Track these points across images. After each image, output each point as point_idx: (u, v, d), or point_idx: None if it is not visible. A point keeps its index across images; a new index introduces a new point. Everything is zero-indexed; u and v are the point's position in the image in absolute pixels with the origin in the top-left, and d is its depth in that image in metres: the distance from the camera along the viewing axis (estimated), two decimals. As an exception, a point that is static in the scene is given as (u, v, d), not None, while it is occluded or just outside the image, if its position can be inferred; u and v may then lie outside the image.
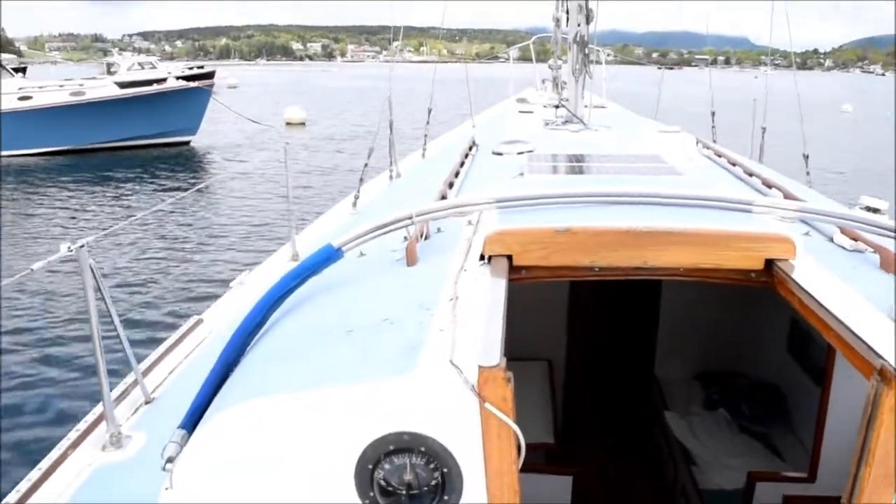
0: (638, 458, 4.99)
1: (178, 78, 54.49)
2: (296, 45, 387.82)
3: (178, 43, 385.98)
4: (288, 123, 35.07)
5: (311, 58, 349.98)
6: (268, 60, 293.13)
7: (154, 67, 53.11)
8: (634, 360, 5.39)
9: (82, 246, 2.60)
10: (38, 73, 45.52)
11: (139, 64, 53.20)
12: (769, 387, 4.60)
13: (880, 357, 1.74)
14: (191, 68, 59.88)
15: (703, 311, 4.91)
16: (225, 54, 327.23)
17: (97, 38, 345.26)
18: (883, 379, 1.68)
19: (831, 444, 3.46)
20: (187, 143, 29.44)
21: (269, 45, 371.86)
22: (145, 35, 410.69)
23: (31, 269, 2.63)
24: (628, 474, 4.89)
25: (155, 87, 30.15)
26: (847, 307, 2.06)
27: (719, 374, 4.92)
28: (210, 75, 59.45)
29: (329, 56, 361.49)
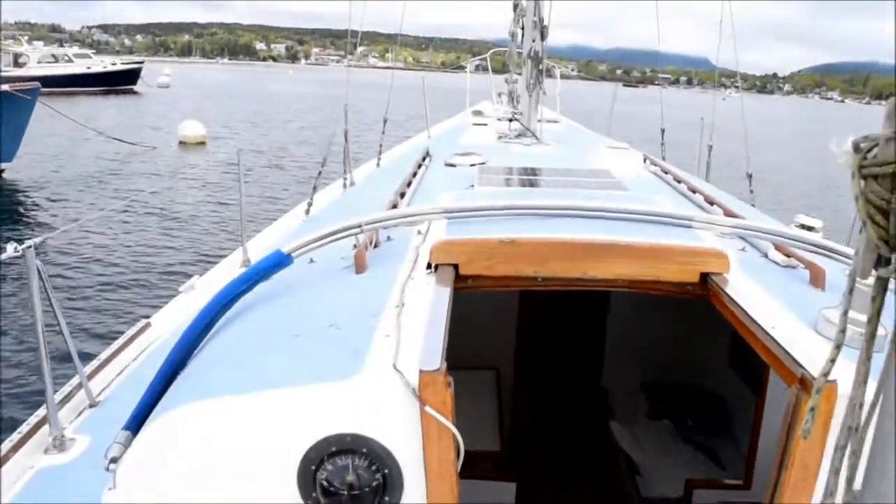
0: (583, 467, 5.04)
1: (98, 74, 51.14)
2: (259, 46, 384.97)
3: (139, 37, 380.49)
4: (182, 143, 26.69)
5: (274, 59, 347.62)
6: (229, 59, 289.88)
7: (70, 60, 50.96)
8: (581, 370, 5.46)
9: (30, 247, 2.56)
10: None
11: (53, 55, 50.98)
12: (712, 397, 4.69)
13: (801, 367, 1.83)
14: (114, 63, 55.81)
15: (649, 322, 5.00)
16: (186, 51, 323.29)
17: (54, 29, 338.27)
18: (803, 387, 1.78)
19: (766, 451, 3.52)
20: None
21: (231, 43, 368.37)
22: (105, 28, 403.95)
23: None
24: (573, 482, 4.94)
25: None
26: (773, 319, 2.15)
27: (664, 384, 5.00)
28: (135, 72, 55.60)
29: (293, 58, 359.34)
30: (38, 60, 48.63)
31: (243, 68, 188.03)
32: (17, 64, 47.89)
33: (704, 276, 2.48)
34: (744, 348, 2.88)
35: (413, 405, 1.73)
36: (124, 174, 20.28)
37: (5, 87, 17.83)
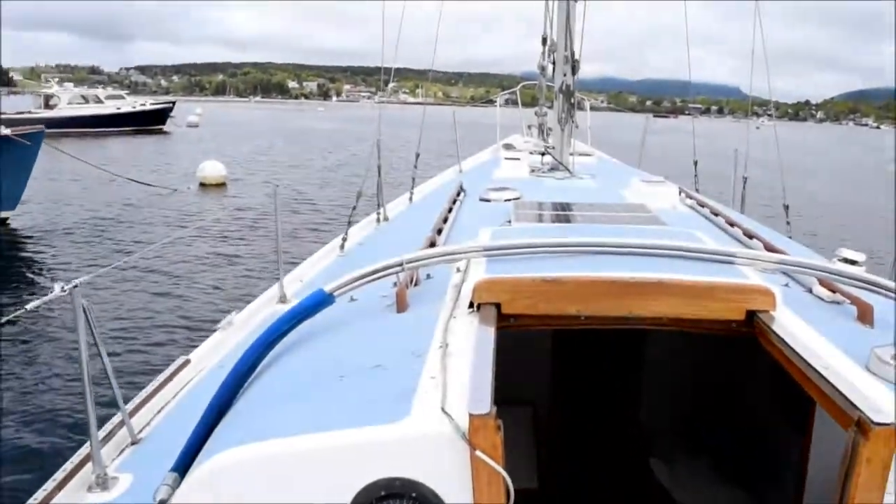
0: None
1: (128, 114, 51.26)
2: (292, 84, 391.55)
3: (175, 78, 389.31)
4: (202, 184, 25.73)
5: (306, 96, 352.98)
6: (262, 98, 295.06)
7: (99, 101, 51.37)
8: (619, 405, 5.37)
9: (76, 286, 2.62)
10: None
11: (83, 96, 51.55)
12: (753, 434, 4.58)
13: (857, 409, 1.78)
14: (143, 104, 55.91)
15: (689, 357, 4.93)
16: (221, 90, 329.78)
17: (94, 70, 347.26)
18: (860, 430, 1.72)
19: (813, 494, 3.43)
20: (2, 221, 17.68)
21: (264, 82, 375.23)
22: (142, 69, 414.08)
23: (26, 309, 2.66)
24: None
25: None
26: (825, 359, 2.11)
27: (704, 421, 4.91)
28: (164, 111, 55.95)
29: (325, 95, 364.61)
30: (68, 102, 49.44)
31: (275, 106, 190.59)
32: (48, 105, 49.00)
33: (750, 314, 2.45)
34: (787, 385, 2.83)
35: (462, 449, 1.71)
36: (139, 218, 19.10)
37: (6, 131, 16.98)
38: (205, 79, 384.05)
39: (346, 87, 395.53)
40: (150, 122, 53.40)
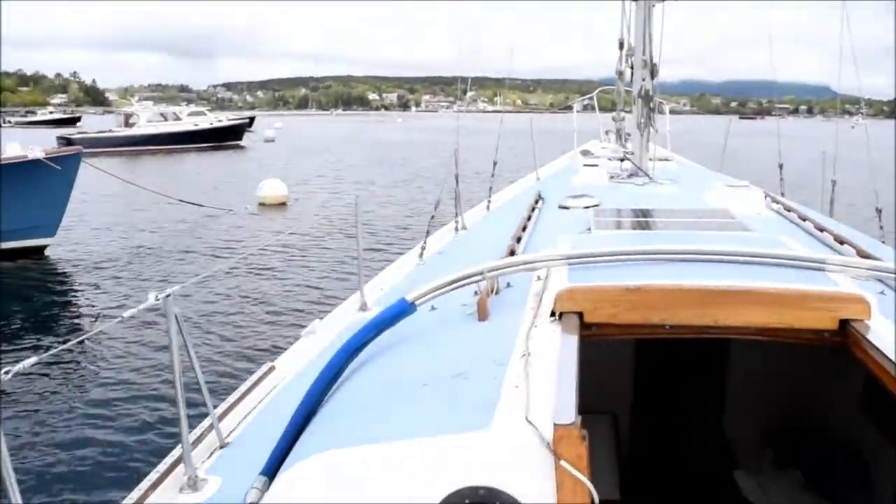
0: None
1: (205, 130, 52.04)
2: (372, 96, 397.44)
3: (260, 93, 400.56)
4: (262, 204, 24.52)
5: (386, 108, 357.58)
6: (343, 110, 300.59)
7: (178, 118, 52.47)
8: (702, 415, 5.24)
9: (168, 295, 2.73)
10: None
11: (161, 114, 52.43)
12: (844, 447, 4.40)
13: None
14: (220, 120, 56.93)
15: (774, 366, 4.77)
16: (303, 104, 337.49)
17: (183, 89, 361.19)
18: None
19: None
20: (40, 250, 16.57)
21: (345, 95, 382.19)
22: (229, 86, 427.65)
23: (122, 317, 2.81)
24: None
25: None
26: None
27: (792, 432, 4.74)
28: (241, 127, 56.81)
29: (404, 106, 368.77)
30: (147, 120, 50.58)
31: (356, 118, 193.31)
32: (127, 124, 50.28)
33: (843, 323, 2.36)
34: (882, 396, 2.72)
35: (547, 458, 1.71)
36: (188, 244, 17.84)
37: (40, 154, 16.00)
38: (288, 93, 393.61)
39: (426, 97, 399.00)
40: (227, 138, 54.33)
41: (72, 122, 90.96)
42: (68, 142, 45.18)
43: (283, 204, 25.02)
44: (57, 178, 16.26)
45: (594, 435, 5.09)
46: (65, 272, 15.46)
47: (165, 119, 51.96)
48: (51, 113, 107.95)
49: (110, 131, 50.71)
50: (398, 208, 23.53)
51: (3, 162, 15.48)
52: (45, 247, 16.70)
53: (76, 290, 14.04)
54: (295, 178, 31.30)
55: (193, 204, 22.22)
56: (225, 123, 56.62)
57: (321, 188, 30.48)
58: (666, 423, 5.25)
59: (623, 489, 4.42)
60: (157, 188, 22.59)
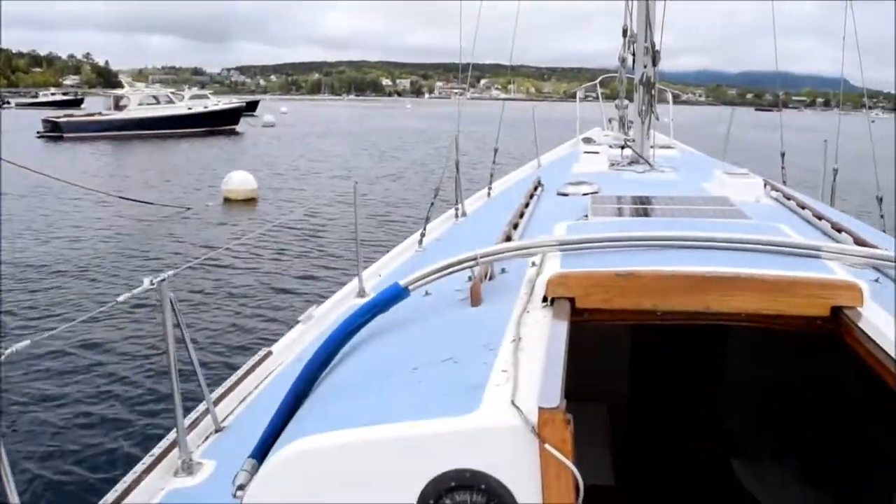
0: None
1: (199, 114, 48.53)
2: (385, 82, 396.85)
3: (273, 77, 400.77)
4: (228, 200, 21.52)
5: (399, 93, 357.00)
6: (356, 96, 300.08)
7: (171, 101, 49.22)
8: (699, 403, 5.25)
9: (163, 280, 2.75)
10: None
11: (154, 97, 49.33)
12: (843, 436, 4.38)
13: None
14: (216, 104, 52.53)
15: (772, 354, 4.75)
16: (316, 89, 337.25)
17: (197, 72, 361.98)
18: None
19: None
20: None
21: (358, 80, 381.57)
22: (242, 70, 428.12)
23: (116, 301, 2.82)
24: None
25: None
26: None
27: (790, 421, 4.73)
28: (237, 111, 52.70)
29: (417, 92, 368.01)
30: (139, 103, 47.74)
31: (367, 104, 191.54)
32: (117, 107, 47.87)
33: (836, 310, 2.35)
34: (878, 384, 2.71)
35: (532, 442, 1.71)
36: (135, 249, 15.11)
37: None
38: (301, 78, 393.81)
39: (438, 83, 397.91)
40: (223, 123, 51.52)
41: (75, 103, 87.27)
42: (54, 125, 44.47)
43: (253, 199, 21.93)
44: None
45: (590, 422, 5.09)
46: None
47: (158, 102, 48.94)
48: (52, 95, 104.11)
49: (99, 114, 48.77)
50: (396, 196, 22.89)
51: None
52: None
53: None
54: (282, 167, 29.31)
55: (139, 202, 19.66)
56: (220, 107, 53.23)
57: (301, 179, 27.57)
58: (663, 410, 5.25)
59: (618, 476, 4.42)
60: (140, 174, 21.76)
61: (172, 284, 2.82)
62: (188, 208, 19.87)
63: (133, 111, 47.16)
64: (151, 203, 19.74)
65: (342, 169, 31.66)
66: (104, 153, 36.86)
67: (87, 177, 24.81)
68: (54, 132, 44.15)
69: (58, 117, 46.26)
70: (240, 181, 22.16)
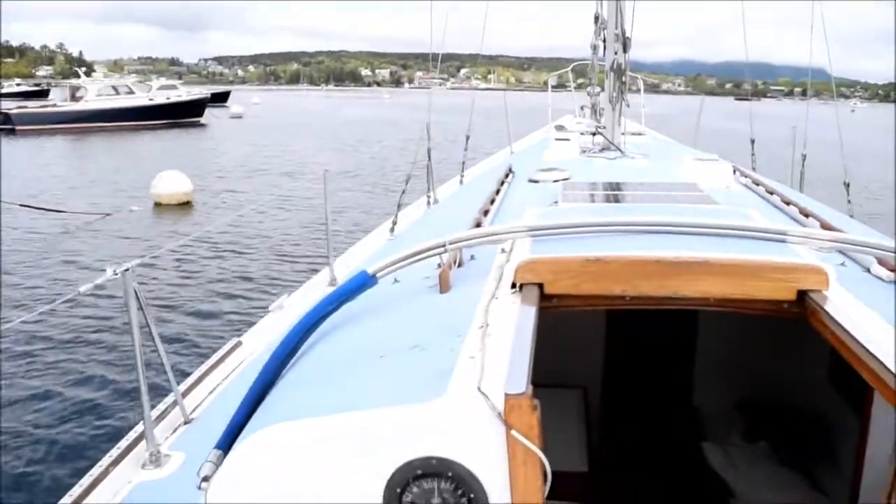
0: (674, 489, 4.85)
1: (160, 106, 46.02)
2: (364, 72, 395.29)
3: (251, 67, 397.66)
4: (158, 204, 19.04)
5: (379, 84, 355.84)
6: (335, 86, 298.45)
7: (131, 92, 46.94)
8: (671, 389, 5.28)
9: (127, 269, 2.73)
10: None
11: (113, 87, 46.99)
12: (810, 417, 4.44)
13: None
14: (178, 95, 50.25)
15: (743, 339, 4.81)
16: (295, 79, 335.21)
17: (174, 62, 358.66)
18: None
19: (871, 477, 3.33)
20: None
21: (337, 70, 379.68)
22: (220, 60, 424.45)
23: (79, 292, 2.80)
24: None
25: None
26: (881, 341, 2.02)
27: (759, 404, 4.78)
28: (201, 102, 50.19)
29: (397, 82, 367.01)
30: (97, 94, 45.58)
31: (344, 94, 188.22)
32: (73, 98, 45.86)
33: (801, 294, 2.36)
34: (843, 367, 2.76)
35: (499, 428, 1.71)
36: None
37: None
38: (279, 68, 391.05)
39: (418, 73, 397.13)
40: (186, 115, 49.53)
41: (41, 94, 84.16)
42: (6, 118, 42.12)
43: (188, 203, 19.44)
44: None
45: (564, 408, 5.13)
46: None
47: (117, 93, 46.58)
48: (18, 85, 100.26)
49: (54, 106, 46.72)
50: (366, 186, 22.61)
51: None
52: None
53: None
54: (231, 165, 27.39)
55: (45, 210, 17.34)
56: (182, 99, 50.85)
57: (246, 179, 25.50)
58: (636, 396, 5.28)
59: (592, 462, 4.43)
60: (74, 172, 20.30)
61: (140, 275, 2.76)
62: (107, 215, 17.49)
63: (90, 102, 45.17)
64: (61, 210, 17.46)
65: (298, 165, 29.82)
66: (50, 148, 34.92)
67: (7, 178, 22.19)
68: (6, 125, 42.02)
69: (10, 110, 44.34)
70: (171, 183, 19.54)
